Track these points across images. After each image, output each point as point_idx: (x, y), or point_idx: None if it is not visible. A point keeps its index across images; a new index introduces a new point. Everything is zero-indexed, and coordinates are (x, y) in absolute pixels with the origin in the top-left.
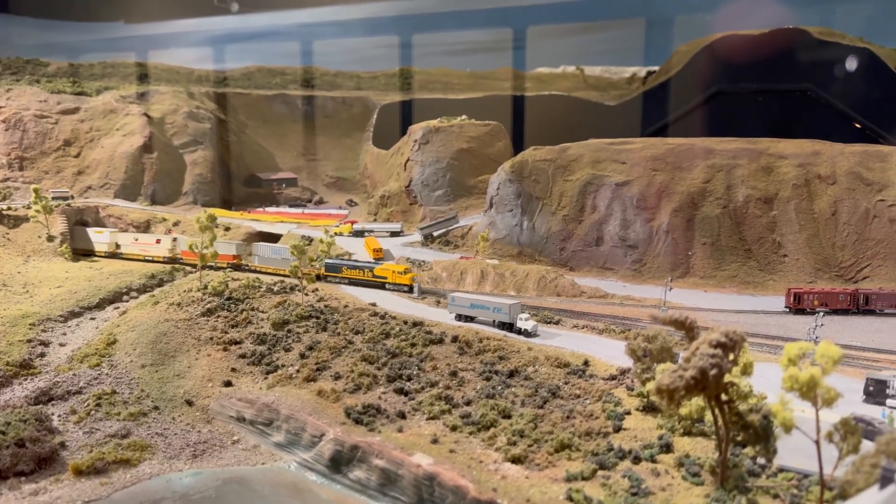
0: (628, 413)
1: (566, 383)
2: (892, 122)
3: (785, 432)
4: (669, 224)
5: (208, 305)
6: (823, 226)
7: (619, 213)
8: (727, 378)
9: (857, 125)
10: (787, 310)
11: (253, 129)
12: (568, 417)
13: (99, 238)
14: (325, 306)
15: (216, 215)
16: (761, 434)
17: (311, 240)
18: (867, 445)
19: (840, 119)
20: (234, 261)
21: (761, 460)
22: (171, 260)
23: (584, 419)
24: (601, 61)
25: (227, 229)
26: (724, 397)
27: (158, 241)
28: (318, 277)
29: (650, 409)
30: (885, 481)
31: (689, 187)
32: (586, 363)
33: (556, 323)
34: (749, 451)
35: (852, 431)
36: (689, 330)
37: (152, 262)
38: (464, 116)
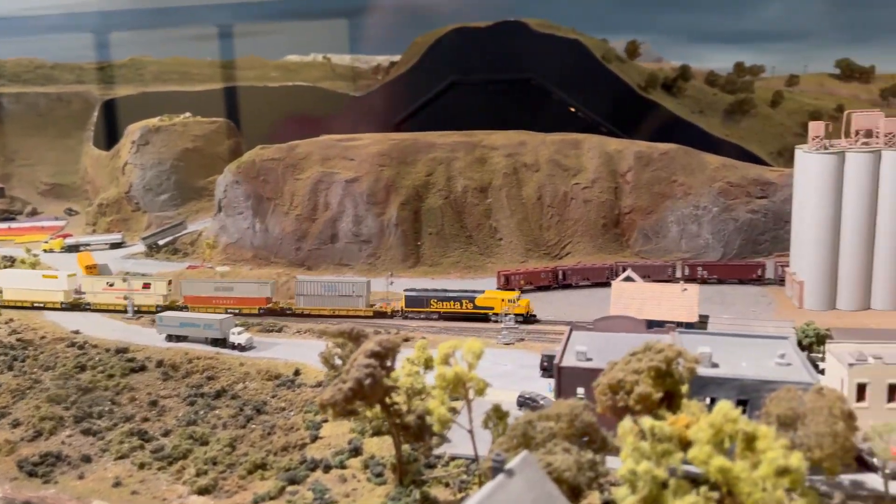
0: (326, 420)
1: (274, 396)
2: (602, 106)
3: (440, 429)
4: (398, 217)
5: None
6: (531, 210)
7: (351, 210)
8: (408, 381)
9: (572, 109)
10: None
11: None
12: (268, 434)
13: None
14: (18, 340)
15: None
16: (417, 433)
17: (13, 260)
18: None
19: (560, 106)
20: (267, 304)
21: (438, 451)
22: None
23: (284, 433)
24: (354, 49)
25: None
26: (388, 401)
27: None
28: (397, 314)
29: (345, 413)
30: (494, 471)
31: (413, 181)
32: (297, 372)
33: (279, 331)
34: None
35: (501, 416)
36: (355, 340)
37: None
38: (187, 114)
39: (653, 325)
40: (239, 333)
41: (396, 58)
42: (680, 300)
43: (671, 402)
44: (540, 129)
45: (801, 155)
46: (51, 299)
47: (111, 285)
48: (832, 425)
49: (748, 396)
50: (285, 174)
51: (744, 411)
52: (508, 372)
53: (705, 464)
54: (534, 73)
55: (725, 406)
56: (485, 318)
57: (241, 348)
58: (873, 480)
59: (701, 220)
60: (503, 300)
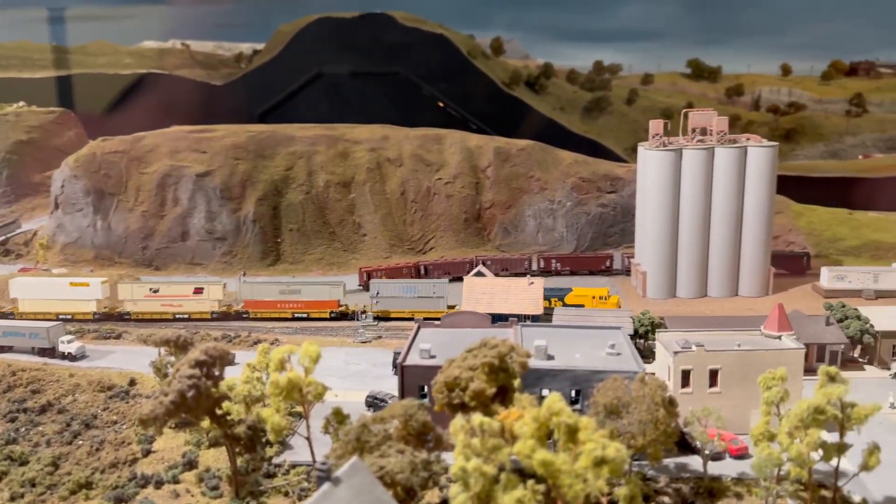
0: (160, 433)
1: (105, 409)
2: (468, 102)
3: (276, 438)
4: (255, 213)
5: None
6: (395, 205)
7: (203, 206)
8: (246, 388)
9: (441, 104)
10: (361, 287)
11: None
12: (96, 450)
13: None
14: None
15: None
16: (248, 444)
17: None
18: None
19: (430, 100)
20: (339, 308)
21: (279, 459)
22: None
23: (114, 448)
24: (218, 36)
25: None
26: (218, 411)
27: None
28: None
29: (181, 425)
30: (320, 480)
31: (272, 175)
32: (132, 382)
33: (117, 337)
34: (267, 452)
35: (341, 420)
36: (181, 348)
37: None
38: (21, 103)
39: (497, 319)
40: (69, 342)
41: (261, 46)
42: (527, 294)
43: (505, 396)
44: (411, 124)
45: (643, 152)
46: (81, 309)
47: (155, 292)
48: (654, 412)
49: (580, 387)
50: (129, 168)
51: (577, 401)
52: (362, 371)
53: (529, 458)
54: (401, 66)
55: (551, 399)
56: None
57: (72, 358)
58: (697, 462)
59: (556, 214)
60: (594, 297)
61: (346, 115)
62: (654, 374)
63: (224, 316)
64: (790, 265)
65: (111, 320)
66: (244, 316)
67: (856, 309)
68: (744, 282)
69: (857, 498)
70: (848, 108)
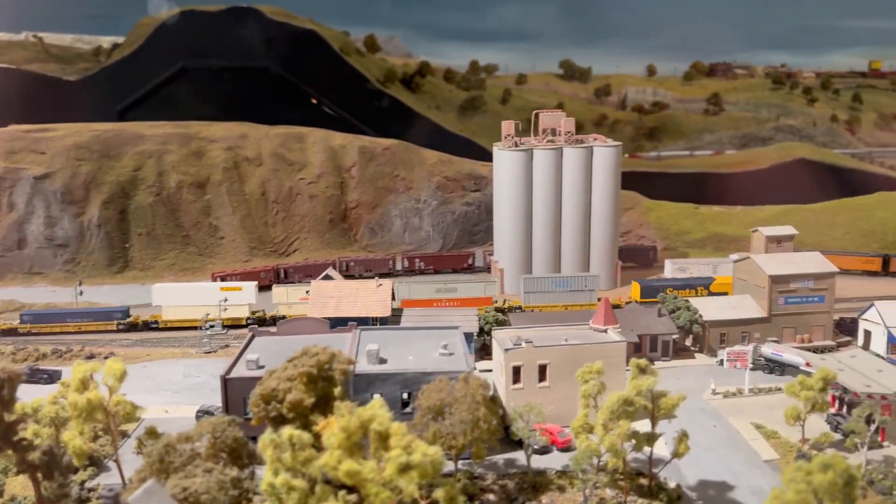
0: None
1: None
2: (342, 99)
3: (81, 462)
4: (101, 217)
5: None
6: (255, 206)
7: (42, 210)
8: (53, 410)
9: (314, 101)
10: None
11: None
12: None
13: None
14: None
15: None
16: (45, 471)
17: None
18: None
19: (301, 96)
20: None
21: (91, 483)
22: None
23: None
24: (78, 28)
25: None
26: (16, 437)
27: None
28: None
29: None
30: None
31: (118, 176)
32: None
33: None
34: (78, 476)
35: (156, 438)
36: None
37: None
38: None
39: (336, 324)
40: None
41: (121, 39)
42: (375, 296)
43: (327, 405)
44: (285, 122)
45: (497, 152)
46: (232, 315)
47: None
48: (474, 412)
49: (411, 389)
50: None
51: (408, 404)
52: (201, 383)
53: (335, 469)
54: (271, 62)
55: (366, 407)
56: None
57: None
58: (524, 457)
59: (422, 213)
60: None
61: (214, 112)
62: (488, 370)
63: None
64: (638, 258)
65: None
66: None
67: (686, 300)
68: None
69: (672, 483)
70: (706, 107)
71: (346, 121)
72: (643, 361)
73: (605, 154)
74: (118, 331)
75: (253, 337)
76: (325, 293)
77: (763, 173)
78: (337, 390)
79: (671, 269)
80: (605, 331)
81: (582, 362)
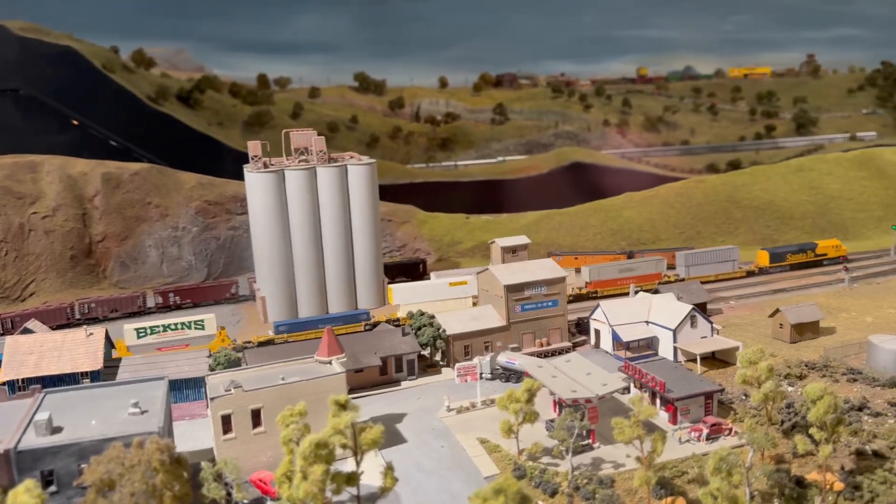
0: None
1: None
2: (107, 120)
3: None
4: None
5: None
6: None
7: None
8: None
9: (75, 122)
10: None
11: None
12: None
13: None
14: None
15: None
16: None
17: None
18: None
19: (59, 117)
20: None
21: None
22: None
23: None
24: None
25: None
26: None
27: None
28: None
29: None
30: None
31: None
32: None
33: None
34: None
35: None
36: None
37: None
38: None
39: (15, 388)
40: None
41: None
42: (84, 347)
43: None
44: (46, 148)
45: (247, 175)
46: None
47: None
48: (150, 480)
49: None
50: None
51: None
52: None
53: None
54: (21, 80)
55: (16, 492)
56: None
57: None
58: None
59: (181, 241)
60: (833, 246)
61: None
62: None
63: (577, 298)
64: (408, 272)
65: None
66: (591, 295)
67: (432, 316)
68: (361, 295)
69: None
70: (493, 116)
71: (112, 142)
72: (342, 397)
73: (359, 172)
74: None
75: None
76: (21, 350)
77: (543, 178)
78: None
79: (435, 279)
80: (330, 362)
81: (299, 400)
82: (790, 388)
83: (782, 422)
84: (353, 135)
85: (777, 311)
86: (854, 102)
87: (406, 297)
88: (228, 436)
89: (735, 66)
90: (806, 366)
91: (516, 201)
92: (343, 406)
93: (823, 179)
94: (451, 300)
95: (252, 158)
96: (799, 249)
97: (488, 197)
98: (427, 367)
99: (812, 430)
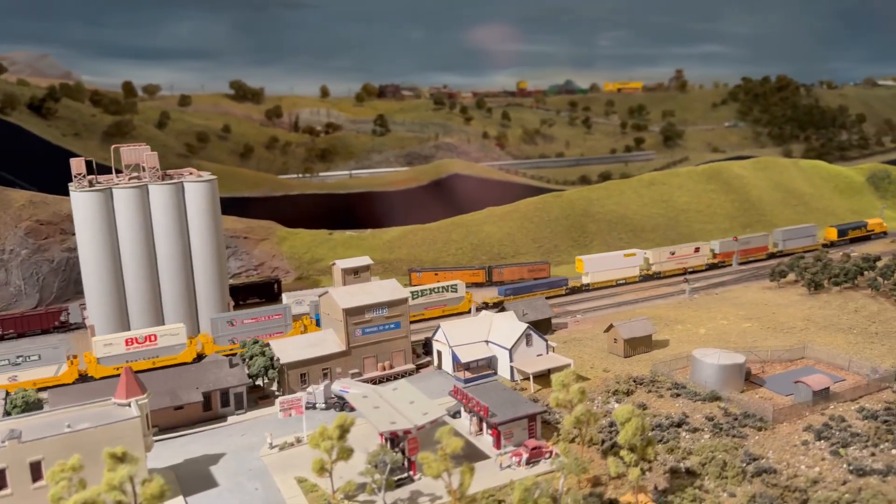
0: None
1: None
2: None
3: None
4: None
5: None
6: None
7: None
8: None
9: None
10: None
11: None
12: None
13: None
14: None
15: None
16: None
17: None
18: None
19: None
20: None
21: None
22: None
23: None
24: None
25: None
26: None
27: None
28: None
29: None
30: None
31: None
32: None
33: None
34: None
35: None
36: None
37: None
38: None
39: None
40: None
41: None
42: None
43: None
44: None
45: (72, 193)
46: (630, 275)
47: (673, 254)
48: None
49: None
50: None
51: None
52: None
53: None
54: None
55: None
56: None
57: None
58: None
59: (8, 265)
60: (879, 224)
61: None
62: None
63: (712, 266)
64: (263, 293)
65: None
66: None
67: (267, 345)
68: (204, 321)
69: None
70: (374, 127)
71: None
72: (120, 449)
73: (197, 189)
74: None
75: None
76: None
77: (422, 190)
78: None
79: (287, 300)
80: (129, 404)
81: (88, 450)
82: (616, 406)
83: (602, 441)
84: (225, 145)
85: (611, 326)
86: (717, 116)
87: (596, 266)
88: (4, 492)
89: (610, 81)
90: (634, 381)
91: (386, 215)
92: (120, 459)
93: (674, 193)
94: (627, 269)
95: (75, 177)
96: (856, 226)
97: (360, 211)
98: (260, 398)
99: (622, 453)
